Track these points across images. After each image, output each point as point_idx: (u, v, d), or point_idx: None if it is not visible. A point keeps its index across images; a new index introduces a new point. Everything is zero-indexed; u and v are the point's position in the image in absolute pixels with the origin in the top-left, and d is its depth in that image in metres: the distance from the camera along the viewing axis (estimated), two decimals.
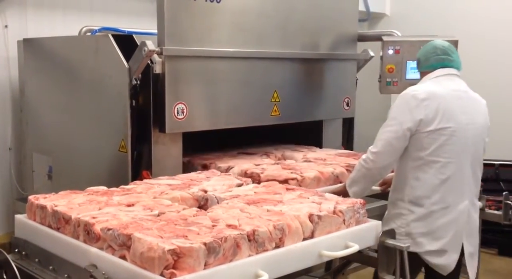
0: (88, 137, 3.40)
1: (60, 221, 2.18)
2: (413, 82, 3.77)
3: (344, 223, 2.28)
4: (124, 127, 3.06)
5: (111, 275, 1.86)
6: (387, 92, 3.82)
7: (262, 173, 2.98)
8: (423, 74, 2.94)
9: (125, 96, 3.02)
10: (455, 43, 3.62)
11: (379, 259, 2.35)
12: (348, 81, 4.11)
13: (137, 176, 3.04)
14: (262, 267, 1.94)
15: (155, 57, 3.00)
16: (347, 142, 4.30)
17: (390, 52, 3.70)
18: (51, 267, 2.14)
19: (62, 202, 2.31)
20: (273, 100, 3.62)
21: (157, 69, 3.02)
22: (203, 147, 4.65)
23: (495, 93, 5.45)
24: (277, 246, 2.05)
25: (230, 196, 2.48)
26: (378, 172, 2.78)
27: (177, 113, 3.09)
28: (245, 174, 3.02)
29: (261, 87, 3.55)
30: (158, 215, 2.17)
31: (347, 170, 3.16)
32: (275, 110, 3.64)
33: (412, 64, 3.71)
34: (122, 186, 2.65)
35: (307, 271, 3.53)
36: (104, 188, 2.59)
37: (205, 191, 2.58)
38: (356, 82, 4.20)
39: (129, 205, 2.29)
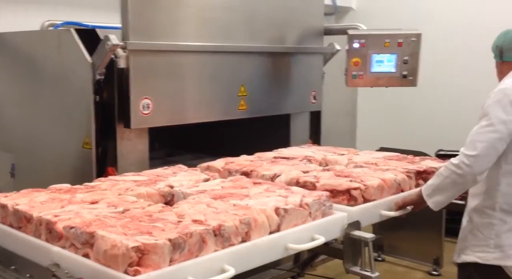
0: (51, 134, 3.33)
1: (21, 220, 2.13)
2: (379, 75, 3.81)
3: (310, 216, 2.29)
4: (88, 123, 3.01)
5: (74, 274, 1.83)
6: (353, 85, 3.85)
7: (317, 182, 2.63)
8: (502, 64, 2.60)
9: (88, 91, 2.97)
10: (418, 36, 3.67)
11: (344, 251, 2.38)
12: (315, 74, 4.12)
13: (102, 172, 3.01)
14: (229, 262, 1.93)
15: (119, 51, 2.96)
16: (315, 136, 4.32)
17: (356, 45, 3.72)
18: (13, 267, 2.10)
19: (23, 201, 2.26)
20: (240, 94, 3.61)
21: (122, 64, 2.98)
22: (168, 143, 4.61)
23: (459, 85, 5.57)
24: (243, 241, 2.05)
25: (196, 191, 2.47)
26: (472, 179, 2.40)
27: (143, 108, 3.05)
28: (296, 183, 2.66)
29: (228, 81, 3.53)
30: (123, 212, 2.14)
31: (407, 176, 2.83)
32: (242, 104, 3.63)
33: (377, 57, 3.74)
34: (86, 184, 2.61)
35: (275, 264, 3.55)
36: (68, 185, 2.55)
37: (172, 187, 2.56)
38: (323, 76, 4.22)
39: (92, 203, 2.26)
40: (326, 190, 2.53)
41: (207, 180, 2.75)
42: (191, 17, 3.28)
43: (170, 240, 1.80)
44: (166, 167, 3.01)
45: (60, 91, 3.23)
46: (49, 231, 2.00)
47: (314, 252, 3.52)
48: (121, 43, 2.91)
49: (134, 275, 1.71)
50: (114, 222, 1.98)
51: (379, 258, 4.49)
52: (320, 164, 3.24)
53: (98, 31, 3.11)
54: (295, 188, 2.53)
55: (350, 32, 3.78)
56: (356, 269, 2.39)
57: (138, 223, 1.96)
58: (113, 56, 2.96)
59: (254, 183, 2.63)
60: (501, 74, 2.60)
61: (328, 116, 4.49)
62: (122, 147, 3.07)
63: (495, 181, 2.46)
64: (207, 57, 3.40)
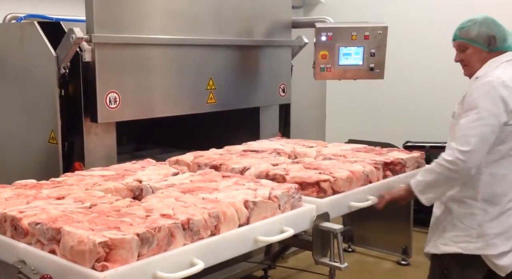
0: (16, 129, 3.27)
1: None
2: (346, 68, 3.81)
3: (279, 208, 2.31)
4: (53, 118, 2.96)
5: (40, 271, 1.80)
6: (322, 78, 3.86)
7: (287, 174, 2.65)
8: (490, 55, 2.52)
9: (53, 85, 2.93)
10: (385, 29, 3.71)
11: (314, 242, 2.40)
12: (283, 67, 4.12)
13: (69, 168, 2.97)
14: (198, 255, 1.93)
15: (84, 44, 2.91)
16: (284, 128, 4.32)
17: (323, 38, 3.73)
18: None
19: None
20: (208, 88, 3.59)
21: (87, 57, 2.94)
22: (136, 137, 4.56)
23: (425, 77, 5.66)
24: (212, 234, 2.05)
25: (165, 185, 2.45)
26: (467, 173, 2.39)
27: (110, 102, 3.02)
28: (266, 176, 2.68)
29: (196, 74, 3.51)
30: (90, 207, 2.11)
31: (375, 167, 2.86)
32: (211, 97, 3.62)
33: (344, 50, 3.76)
34: (53, 179, 2.57)
35: (246, 257, 3.56)
36: (33, 181, 2.50)
37: (140, 181, 2.54)
38: (291, 69, 4.23)
39: (59, 198, 2.22)
40: (296, 182, 2.55)
41: (176, 174, 2.74)
42: (157, 9, 3.24)
43: (138, 234, 1.79)
44: (135, 161, 2.99)
45: (24, 86, 3.17)
46: (14, 228, 1.97)
47: (285, 244, 3.55)
48: (85, 36, 2.86)
49: (102, 271, 1.69)
50: (81, 217, 1.95)
51: (349, 249, 4.54)
52: (289, 157, 3.26)
53: (63, 24, 3.05)
54: (264, 181, 2.54)
55: (318, 25, 3.79)
56: (325, 260, 2.42)
57: (105, 218, 1.94)
58: (78, 50, 2.92)
59: (223, 177, 2.63)
60: (480, 62, 2.53)
61: (297, 108, 4.49)
62: (89, 142, 3.03)
63: (476, 172, 2.43)
64: (174, 50, 3.37)
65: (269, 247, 3.62)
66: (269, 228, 2.23)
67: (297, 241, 2.51)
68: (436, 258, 2.58)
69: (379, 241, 4.33)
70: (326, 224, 2.39)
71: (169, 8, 3.31)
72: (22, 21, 3.62)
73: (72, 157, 3.01)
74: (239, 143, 3.55)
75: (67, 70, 2.94)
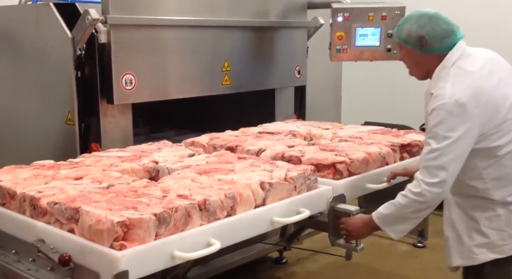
0: (33, 110, 3.29)
1: (5, 197, 2.12)
2: (363, 49, 3.75)
3: (295, 190, 2.31)
4: (70, 99, 2.97)
5: (59, 249, 1.82)
6: (337, 60, 3.82)
7: (302, 156, 2.61)
8: (428, 58, 2.26)
9: (69, 67, 2.93)
10: (402, 9, 3.64)
11: (330, 224, 2.40)
12: (299, 49, 4.09)
13: (86, 149, 2.99)
14: (214, 235, 1.94)
15: (100, 26, 2.91)
16: (299, 111, 4.30)
17: (340, 19, 3.69)
18: None
19: (6, 177, 2.24)
20: (224, 70, 3.59)
21: (102, 39, 2.95)
22: (152, 119, 4.56)
23: None
24: (229, 215, 2.05)
25: (181, 166, 2.46)
26: (439, 201, 2.22)
27: (125, 83, 3.02)
28: (282, 158, 2.64)
29: (211, 56, 3.50)
30: (107, 188, 2.13)
31: (392, 149, 2.81)
32: (226, 79, 3.61)
33: (361, 31, 3.72)
34: (70, 160, 2.60)
35: (262, 238, 3.58)
36: (51, 162, 2.53)
37: (156, 162, 2.55)
38: (307, 50, 4.18)
39: (77, 179, 2.24)
40: (312, 164, 2.53)
41: (192, 155, 2.74)
42: None
43: (155, 214, 1.80)
44: (151, 143, 3.00)
45: (41, 67, 3.17)
46: (33, 207, 1.99)
47: (300, 226, 3.56)
48: (101, 18, 2.87)
49: (120, 250, 1.71)
50: (99, 197, 1.97)
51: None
52: (305, 139, 3.24)
53: (78, 5, 3.05)
54: (280, 163, 2.54)
55: (334, 5, 3.74)
56: (341, 241, 2.42)
57: (123, 199, 1.96)
58: (93, 31, 2.92)
59: (239, 158, 2.63)
60: (422, 67, 2.30)
61: (312, 90, 4.46)
62: (105, 123, 3.04)
63: (480, 180, 2.25)
64: (190, 32, 3.36)
65: (284, 228, 3.63)
66: (285, 209, 2.23)
67: (313, 223, 2.51)
68: (470, 269, 2.35)
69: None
70: (342, 206, 2.39)
71: None
72: (37, 2, 3.62)
73: (88, 139, 3.02)
74: (254, 125, 3.54)
75: (83, 52, 2.94)
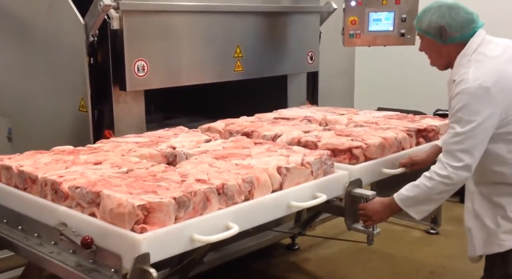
0: (46, 97, 3.29)
1: (26, 181, 2.15)
2: (376, 34, 3.70)
3: (312, 175, 2.32)
4: (83, 86, 2.96)
5: (81, 233, 1.86)
6: (351, 45, 3.80)
7: (318, 141, 2.64)
8: (449, 48, 2.28)
9: (82, 53, 2.92)
10: None
11: (346, 208, 2.41)
12: (311, 34, 4.07)
13: (99, 135, 3.00)
14: (232, 219, 1.96)
15: (112, 12, 2.91)
16: (312, 96, 4.26)
17: (353, 3, 3.66)
18: (20, 227, 2.13)
19: (27, 162, 2.27)
20: (236, 56, 3.58)
21: (115, 25, 2.94)
22: (164, 106, 4.55)
23: None
24: (246, 199, 2.07)
25: (198, 151, 2.49)
26: (462, 184, 2.24)
27: (138, 70, 3.03)
28: (298, 143, 2.68)
29: (223, 42, 3.49)
30: (127, 172, 2.16)
31: (408, 134, 2.83)
32: (238, 65, 3.60)
33: (374, 15, 3.68)
34: (89, 145, 2.63)
35: (276, 224, 3.60)
36: (71, 147, 2.56)
37: (174, 148, 2.57)
38: (320, 35, 4.16)
39: (96, 164, 2.28)
40: (328, 149, 2.54)
41: (208, 141, 2.76)
42: None
43: (174, 198, 1.82)
44: (167, 128, 3.02)
45: (53, 54, 3.17)
46: (55, 192, 2.03)
47: (315, 211, 3.59)
48: (113, 3, 2.84)
49: (141, 233, 1.73)
50: (119, 182, 2.00)
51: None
52: (320, 124, 3.25)
53: None
54: (296, 148, 2.55)
55: None
56: (358, 226, 2.43)
57: (142, 183, 1.98)
58: (106, 17, 2.90)
59: (255, 143, 2.64)
60: (444, 57, 2.33)
61: (325, 76, 4.44)
62: (118, 110, 3.03)
63: (500, 165, 2.25)
64: (202, 17, 3.34)
65: (299, 214, 3.66)
66: (302, 194, 2.24)
67: (329, 207, 2.53)
68: (495, 258, 2.35)
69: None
70: (359, 190, 2.40)
71: None
72: None
73: (102, 125, 3.03)
74: (267, 111, 3.52)
75: (96, 38, 2.92)
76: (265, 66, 3.78)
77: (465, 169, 2.16)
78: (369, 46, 3.81)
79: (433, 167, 2.25)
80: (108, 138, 2.92)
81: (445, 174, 2.19)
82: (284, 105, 3.97)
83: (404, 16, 3.61)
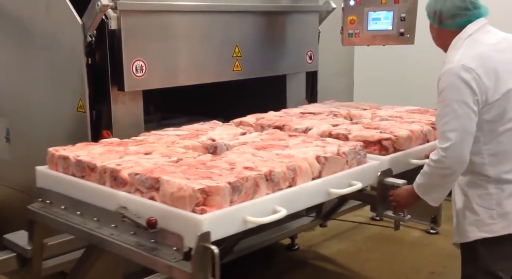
0: (44, 98, 3.28)
1: (84, 170, 2.31)
2: (375, 33, 3.63)
3: (347, 164, 2.48)
4: (81, 87, 2.95)
5: (142, 215, 2.01)
6: (350, 44, 3.75)
7: (349, 133, 2.79)
8: (443, 32, 2.41)
9: (80, 53, 2.90)
10: None
11: (378, 196, 2.57)
12: (310, 33, 4.03)
13: (97, 136, 3.00)
14: (279, 204, 2.12)
15: (110, 12, 2.89)
16: (311, 96, 4.26)
17: (352, 3, 3.59)
18: (78, 212, 2.29)
19: (82, 153, 2.43)
20: (234, 55, 3.55)
21: (113, 25, 2.91)
22: (162, 106, 4.45)
23: None
24: (289, 185, 2.23)
25: (238, 143, 2.64)
26: (459, 166, 2.27)
27: (136, 70, 3.00)
28: (329, 135, 2.82)
29: (221, 42, 3.46)
30: (177, 162, 2.31)
31: (432, 127, 2.93)
32: (237, 65, 3.57)
33: (374, 15, 3.65)
34: (133, 138, 2.78)
35: (297, 215, 3.71)
36: (117, 139, 2.72)
37: (213, 140, 2.73)
38: (319, 35, 4.13)
39: (146, 154, 2.43)
40: (358, 141, 2.70)
41: (243, 133, 2.92)
42: None
43: (230, 183, 1.98)
44: (202, 122, 3.17)
45: (51, 54, 3.16)
46: (114, 178, 2.18)
47: (337, 203, 3.74)
48: (111, 4, 2.84)
49: (201, 214, 1.89)
50: (173, 169, 2.15)
51: (377, 218, 4.45)
52: (345, 119, 3.40)
53: None
54: (330, 139, 2.71)
55: None
56: (389, 213, 2.59)
57: (195, 170, 2.14)
58: (104, 17, 2.89)
59: (290, 136, 2.80)
60: (440, 40, 2.46)
61: (324, 76, 4.39)
62: (116, 110, 3.02)
63: (479, 155, 2.33)
64: (200, 17, 3.32)
65: (320, 206, 3.80)
66: (339, 182, 2.40)
67: (361, 195, 2.67)
68: (465, 247, 2.45)
69: (407, 209, 4.25)
70: (390, 179, 2.55)
71: None
72: None
73: (100, 126, 3.03)
74: (266, 110, 3.49)
75: (94, 38, 2.91)
76: (264, 65, 3.75)
77: (452, 150, 2.22)
78: (368, 46, 3.79)
79: (430, 154, 2.36)
80: (106, 138, 2.91)
81: (436, 159, 2.28)
82: (283, 104, 3.96)
83: (403, 15, 3.56)
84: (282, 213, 2.08)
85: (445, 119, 2.25)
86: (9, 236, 2.62)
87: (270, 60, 3.81)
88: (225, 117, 3.30)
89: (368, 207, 2.92)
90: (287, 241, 4.13)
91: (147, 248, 1.99)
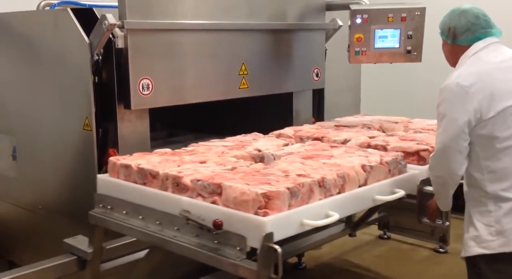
0: (51, 116, 3.30)
1: (146, 177, 2.47)
2: (382, 51, 3.64)
3: (389, 173, 2.63)
4: (87, 105, 2.98)
5: (206, 218, 2.16)
6: (356, 62, 3.74)
7: (387, 145, 2.93)
8: (456, 48, 2.49)
9: (87, 72, 2.94)
10: (423, 10, 3.56)
11: (418, 204, 2.70)
12: (317, 51, 4.03)
13: (103, 154, 3.03)
14: (331, 208, 2.27)
15: (117, 31, 2.92)
16: (318, 113, 4.29)
17: (358, 21, 3.57)
18: (140, 216, 2.44)
19: (142, 161, 2.59)
20: (241, 73, 3.56)
21: (119, 44, 2.94)
22: (169, 123, 4.46)
23: None
24: (339, 192, 2.38)
25: (285, 153, 2.80)
26: (449, 177, 2.40)
27: (142, 88, 3.02)
28: (368, 146, 2.96)
29: (228, 59, 3.47)
30: (232, 169, 2.47)
31: None
32: (243, 83, 3.58)
33: (380, 32, 3.66)
34: (184, 148, 2.95)
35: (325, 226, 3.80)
36: (169, 150, 2.87)
37: (259, 150, 2.88)
38: (325, 52, 4.14)
39: (202, 162, 2.59)
40: (397, 152, 2.85)
41: (286, 144, 3.08)
42: None
43: (288, 188, 2.14)
44: (244, 134, 3.31)
45: (58, 72, 3.19)
46: (176, 185, 2.34)
47: (368, 212, 3.86)
48: (118, 22, 2.86)
49: (264, 216, 2.04)
50: (231, 176, 2.31)
51: (385, 236, 4.59)
52: (378, 131, 3.54)
53: (95, 10, 3.04)
54: (371, 150, 2.86)
55: (353, 7, 3.64)
56: (428, 220, 2.72)
57: (253, 177, 2.30)
58: (111, 36, 2.93)
59: (331, 146, 2.96)
60: (453, 58, 2.53)
61: (331, 93, 4.39)
62: (122, 129, 3.04)
63: (478, 171, 2.38)
64: (206, 35, 3.34)
65: (349, 217, 3.91)
66: (383, 189, 2.55)
67: (401, 203, 2.81)
68: (468, 262, 2.47)
69: (416, 228, 4.14)
70: (429, 188, 2.68)
71: None
72: (55, 7, 3.62)
73: (106, 144, 3.05)
74: (273, 128, 3.50)
75: (100, 57, 2.94)
76: (270, 83, 3.76)
77: (438, 160, 2.39)
78: (375, 63, 3.76)
79: None
80: (112, 156, 2.92)
81: (429, 166, 2.50)
82: (289, 122, 3.96)
83: (410, 33, 3.56)
84: (335, 217, 2.22)
85: (438, 131, 2.40)
86: (69, 240, 2.79)
87: (277, 77, 3.81)
88: (232, 134, 3.28)
89: (375, 226, 2.95)
90: (294, 259, 4.14)
91: (210, 248, 2.14)
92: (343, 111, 4.78)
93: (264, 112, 4.05)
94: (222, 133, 3.52)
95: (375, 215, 4.05)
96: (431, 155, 2.48)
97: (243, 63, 3.56)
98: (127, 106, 3.00)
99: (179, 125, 4.52)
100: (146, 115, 3.15)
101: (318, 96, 4.26)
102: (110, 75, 3.00)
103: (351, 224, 4.08)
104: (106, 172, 2.77)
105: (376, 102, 5.88)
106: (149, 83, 3.04)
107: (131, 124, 3.09)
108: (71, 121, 3.12)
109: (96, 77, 2.97)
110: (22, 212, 3.66)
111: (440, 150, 2.38)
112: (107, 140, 3.05)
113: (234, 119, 4.14)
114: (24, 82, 3.49)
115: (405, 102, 5.87)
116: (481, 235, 2.37)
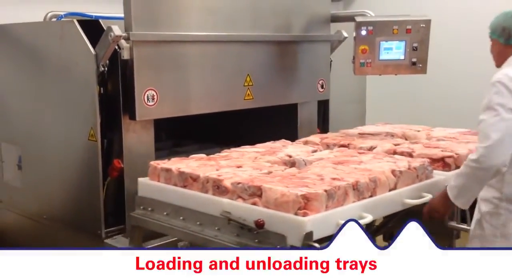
0: (56, 126, 3.35)
1: (187, 180, 2.60)
2: (387, 63, 3.67)
3: (417, 178, 2.74)
4: (92, 116, 3.02)
5: (246, 219, 2.28)
6: (361, 73, 3.71)
7: (413, 152, 3.02)
8: (508, 48, 2.55)
9: (92, 83, 2.99)
10: (428, 22, 3.57)
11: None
12: (322, 62, 4.07)
13: (108, 164, 3.07)
14: (364, 210, 2.39)
15: (123, 42, 2.95)
16: (323, 124, 4.33)
17: (363, 32, 3.58)
18: (181, 217, 2.57)
19: (181, 165, 2.73)
20: (246, 84, 3.59)
21: (125, 55, 2.97)
22: (175, 133, 4.48)
23: (470, 71, 5.35)
24: (371, 195, 2.50)
25: (315, 159, 2.92)
26: (494, 169, 2.37)
27: (147, 99, 3.05)
28: (394, 153, 3.06)
29: (233, 71, 3.51)
30: (268, 173, 2.59)
31: None
32: (248, 94, 3.61)
33: (385, 44, 3.65)
34: (218, 154, 3.07)
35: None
36: (204, 155, 3.00)
37: (290, 156, 3.01)
38: (330, 64, 4.17)
39: (238, 167, 2.72)
40: (423, 158, 2.96)
41: (314, 151, 3.20)
42: (194, 6, 3.27)
43: (326, 190, 2.26)
44: (273, 141, 3.42)
45: (64, 83, 3.23)
46: (217, 187, 2.47)
47: (388, 219, 3.95)
48: (124, 34, 2.90)
49: (303, 216, 2.17)
50: (269, 179, 2.44)
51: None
52: (401, 139, 3.66)
53: (102, 21, 3.09)
54: (398, 156, 2.98)
55: (358, 19, 3.64)
56: (453, 223, 2.83)
57: (290, 180, 2.42)
58: (116, 47, 2.96)
59: (359, 153, 3.08)
60: (501, 57, 2.58)
61: (336, 104, 4.43)
62: (127, 139, 3.07)
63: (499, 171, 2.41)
64: (212, 47, 3.38)
65: (370, 224, 3.99)
66: (412, 193, 2.66)
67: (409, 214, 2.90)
68: None
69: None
70: None
71: (206, 4, 3.33)
72: (62, 19, 3.71)
73: (111, 155, 3.09)
74: (278, 139, 3.49)
75: (106, 68, 2.98)
76: (275, 94, 3.79)
77: (494, 148, 2.31)
78: (380, 75, 3.75)
79: (469, 155, 2.49)
80: (117, 167, 3.04)
81: (475, 158, 2.38)
82: (294, 133, 3.98)
83: (415, 45, 3.57)
84: (369, 218, 2.35)
85: (489, 121, 2.37)
86: (110, 241, 2.93)
87: (282, 89, 3.83)
88: (237, 145, 3.29)
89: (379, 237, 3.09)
90: None
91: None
92: (349, 122, 4.82)
93: (269, 123, 4.07)
94: (227, 144, 3.52)
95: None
96: (484, 145, 2.36)
97: (248, 75, 3.60)
98: (132, 117, 3.04)
99: (184, 135, 4.54)
100: (151, 125, 3.18)
101: (323, 107, 4.31)
102: (116, 86, 3.04)
103: (372, 229, 4.19)
104: (110, 182, 2.88)
105: (381, 113, 5.83)
106: (154, 94, 3.08)
107: (136, 134, 3.12)
108: (77, 132, 3.16)
109: (102, 88, 3.02)
110: (27, 222, 3.69)
111: (500, 137, 2.33)
112: (112, 151, 3.10)
113: (239, 130, 4.18)
114: (30, 92, 3.54)
115: (411, 113, 5.86)
116: (486, 235, 2.49)
